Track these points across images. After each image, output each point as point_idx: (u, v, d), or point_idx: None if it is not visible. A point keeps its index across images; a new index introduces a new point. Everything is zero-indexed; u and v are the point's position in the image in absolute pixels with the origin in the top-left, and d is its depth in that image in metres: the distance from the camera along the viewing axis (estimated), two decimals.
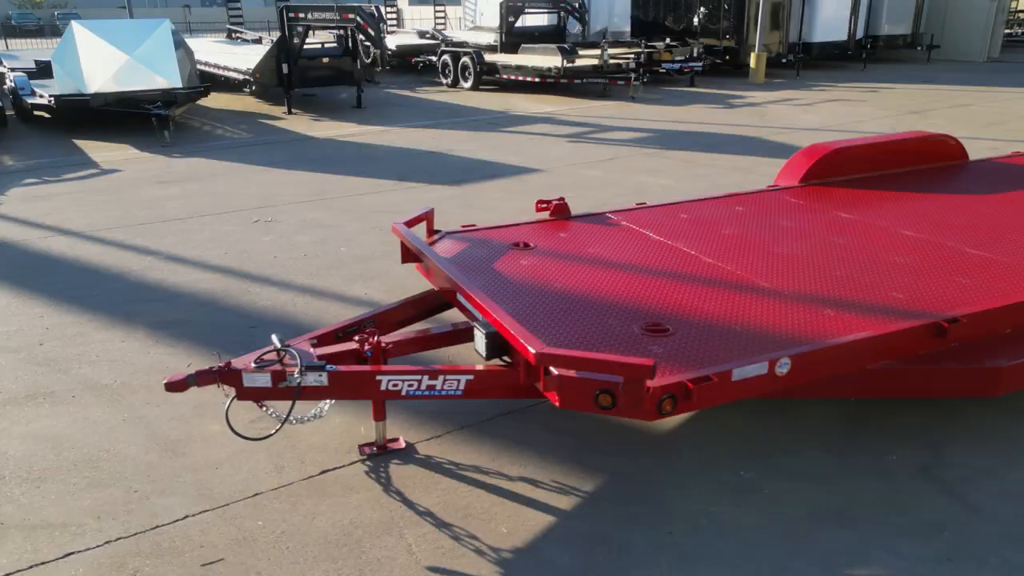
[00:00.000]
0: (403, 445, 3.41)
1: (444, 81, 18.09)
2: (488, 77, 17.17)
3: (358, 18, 12.55)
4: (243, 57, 14.82)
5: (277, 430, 3.02)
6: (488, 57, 17.41)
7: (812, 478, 3.16)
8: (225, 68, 14.98)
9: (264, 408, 3.09)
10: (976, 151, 6.76)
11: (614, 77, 15.46)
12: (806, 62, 19.97)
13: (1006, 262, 3.83)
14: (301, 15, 13.18)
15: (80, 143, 11.11)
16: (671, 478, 3.19)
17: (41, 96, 11.88)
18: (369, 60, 13.42)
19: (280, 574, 2.63)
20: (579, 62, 15.54)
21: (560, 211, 4.86)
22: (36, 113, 12.40)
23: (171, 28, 12.02)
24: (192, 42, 20.45)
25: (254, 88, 14.39)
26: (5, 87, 13.54)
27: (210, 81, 16.18)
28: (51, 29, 45.29)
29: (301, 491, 3.09)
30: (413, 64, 19.98)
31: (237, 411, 3.06)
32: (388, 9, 26.02)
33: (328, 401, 3.28)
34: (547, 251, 4.17)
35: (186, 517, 2.94)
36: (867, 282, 3.60)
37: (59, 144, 11.07)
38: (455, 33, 24.66)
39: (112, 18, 15.38)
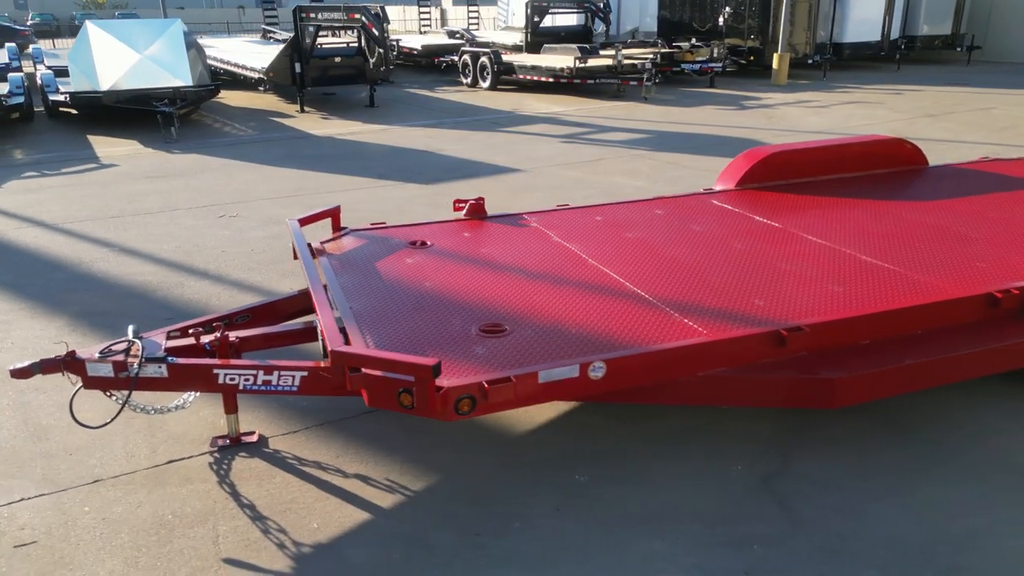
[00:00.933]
0: (256, 439, 3.46)
1: (464, 81, 18.20)
2: (508, 77, 17.20)
3: (363, 18, 12.71)
4: (260, 56, 15.16)
5: (112, 419, 3.10)
6: (505, 57, 17.44)
7: (646, 485, 3.11)
8: (243, 67, 15.34)
9: (111, 396, 3.18)
10: (973, 156, 6.48)
11: (627, 77, 15.32)
12: (836, 63, 19.45)
13: (895, 271, 3.69)
14: (312, 15, 13.43)
15: (92, 138, 11.53)
16: (505, 478, 3.17)
17: (62, 93, 12.38)
18: (374, 60, 13.54)
19: (81, 559, 2.71)
20: (591, 62, 15.45)
21: (475, 211, 4.86)
22: (62, 110, 12.95)
23: (183, 28, 12.38)
24: (221, 41, 21.07)
25: (268, 87, 14.69)
26: (37, 84, 14.16)
27: (231, 79, 16.69)
28: (69, 30, 46.90)
29: (140, 480, 3.18)
30: (436, 64, 20.15)
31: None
32: (422, 9, 26.24)
33: (192, 393, 3.36)
34: (439, 250, 4.18)
35: (21, 500, 3.04)
36: (738, 288, 3.51)
37: (72, 139, 11.51)
38: (486, 33, 24.79)
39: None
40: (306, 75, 13.91)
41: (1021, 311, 3.48)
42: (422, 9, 26.36)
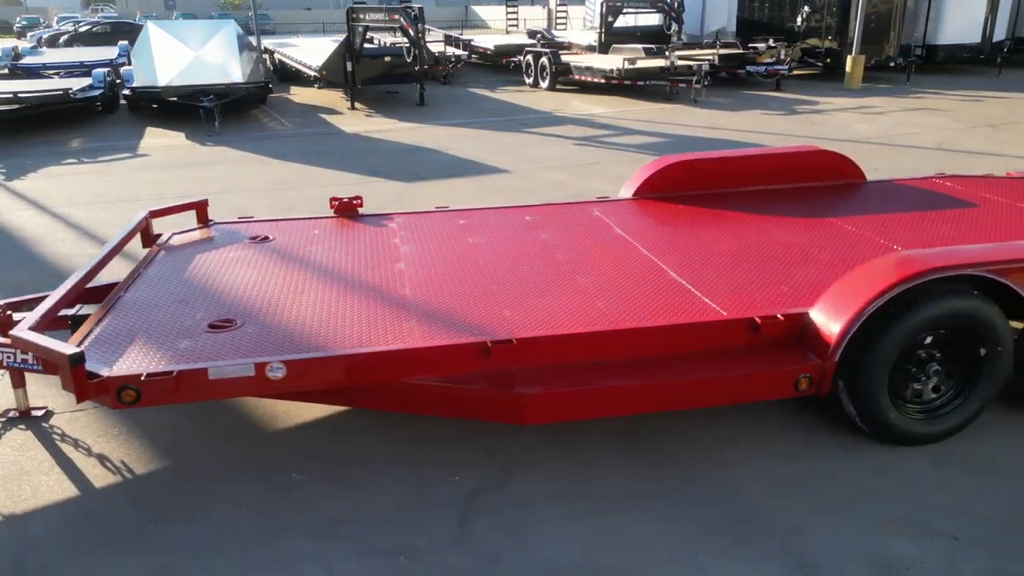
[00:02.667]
0: (42, 413, 3.72)
1: (527, 81, 18.24)
2: (569, 78, 17.06)
3: (401, 19, 13.04)
4: (319, 55, 15.83)
5: None
6: (564, 57, 17.35)
7: (361, 490, 3.11)
8: (305, 65, 16.09)
9: None
10: (1006, 170, 5.91)
11: (677, 79, 14.87)
12: (928, 66, 18.03)
13: (688, 291, 3.49)
14: (361, 16, 13.90)
15: (149, 130, 12.46)
16: (228, 470, 3.26)
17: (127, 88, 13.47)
18: (410, 59, 13.84)
19: None
20: (641, 64, 15.11)
21: (343, 209, 4.96)
22: (142, 103, 13.99)
23: (235, 29, 13.14)
24: (303, 40, 22.02)
25: (322, 84, 15.32)
26: None
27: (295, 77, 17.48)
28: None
29: None
30: (506, 64, 20.31)
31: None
32: (509, 9, 26.45)
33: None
34: (270, 246, 4.31)
35: None
36: (497, 299, 3.44)
37: (130, 130, 12.48)
38: (568, 33, 24.70)
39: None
40: (356, 74, 14.42)
41: (798, 339, 3.22)
42: (509, 9, 26.59)
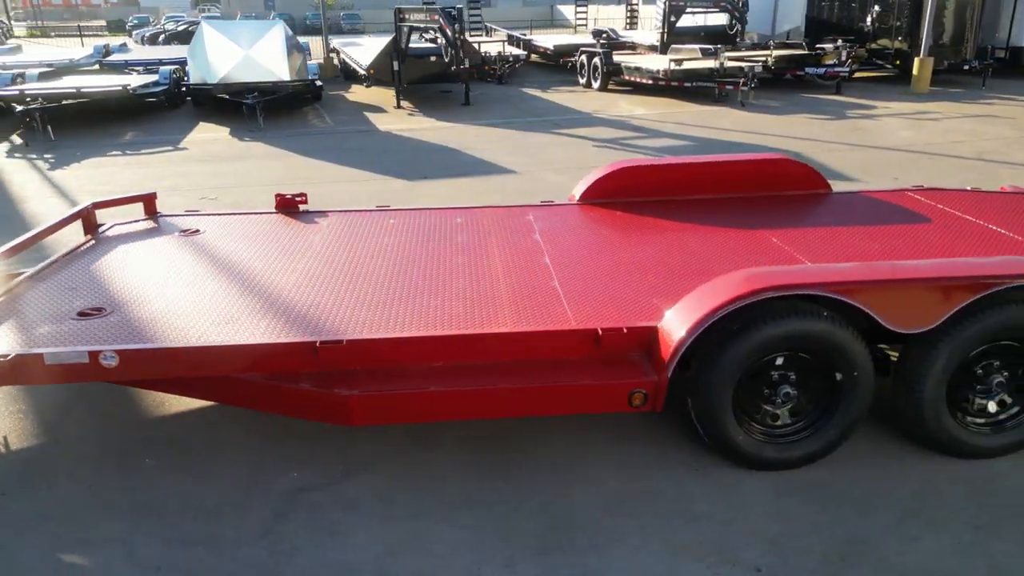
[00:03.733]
0: None
1: (581, 81, 18.13)
2: (622, 78, 16.84)
3: (440, 19, 13.20)
4: (368, 54, 16.21)
5: None
6: (616, 57, 17.13)
7: (199, 479, 3.21)
8: (358, 64, 16.51)
9: None
10: None
11: (723, 81, 14.44)
12: (1011, 69, 16.82)
13: (560, 300, 3.42)
14: (406, 16, 14.17)
15: (201, 124, 13.10)
16: (86, 451, 3.42)
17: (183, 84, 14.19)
18: (448, 59, 13.98)
19: None
20: (687, 65, 14.75)
21: (284, 205, 5.10)
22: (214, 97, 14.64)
23: (284, 29, 13.63)
24: (372, 40, 22.51)
25: (370, 83, 15.68)
26: None
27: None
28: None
29: None
30: (563, 64, 20.23)
31: None
32: (578, 8, 26.32)
33: None
34: (195, 240, 4.48)
35: None
36: (359, 301, 3.47)
37: (183, 125, 13.14)
38: (632, 33, 24.37)
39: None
40: (402, 73, 14.69)
41: (647, 353, 3.11)
42: (578, 8, 26.45)
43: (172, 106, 14.93)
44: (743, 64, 14.98)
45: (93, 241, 4.50)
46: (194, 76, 13.65)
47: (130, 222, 4.88)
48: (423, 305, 3.40)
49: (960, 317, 2.96)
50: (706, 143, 10.72)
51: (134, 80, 13.82)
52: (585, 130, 11.98)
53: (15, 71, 15.25)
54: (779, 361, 3.06)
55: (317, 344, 3.01)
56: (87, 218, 4.72)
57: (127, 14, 60.58)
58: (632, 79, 16.34)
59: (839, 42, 16.91)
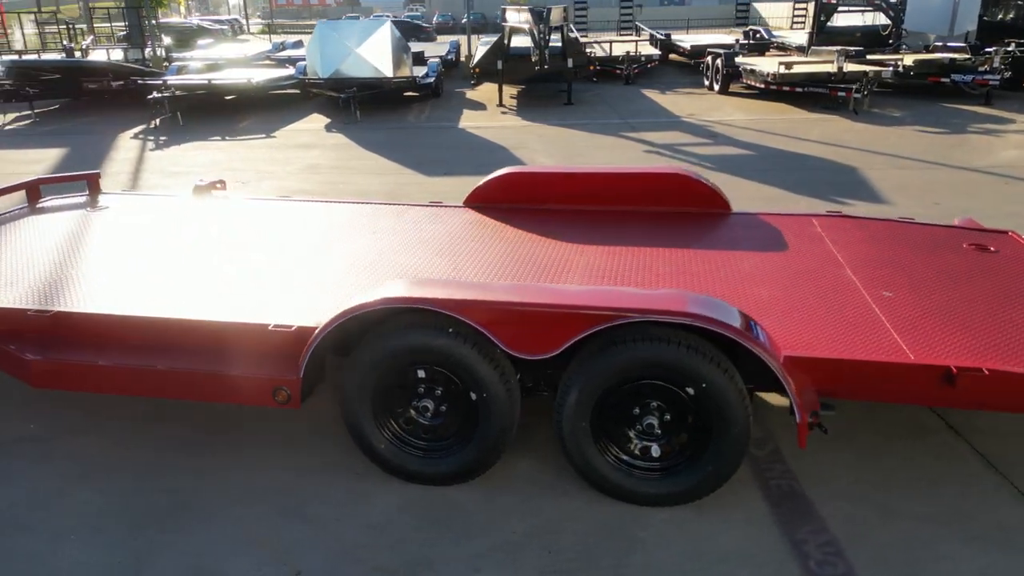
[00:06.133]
0: None
1: (705, 83, 17.42)
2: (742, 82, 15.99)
3: (530, 18, 13.30)
4: (481, 53, 16.65)
5: None
6: (738, 59, 16.23)
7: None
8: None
9: None
10: None
11: (835, 87, 13.22)
12: None
13: (294, 291, 3.57)
14: (507, 15, 14.42)
15: (311, 116, 14.26)
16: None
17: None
18: (535, 59, 13.98)
19: None
20: (797, 68, 13.67)
21: (200, 191, 5.58)
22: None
23: (391, 28, 14.41)
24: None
25: (476, 81, 16.12)
26: None
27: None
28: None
29: None
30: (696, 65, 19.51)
31: None
32: (739, 5, 25.14)
33: None
34: (95, 216, 5.06)
35: None
36: (131, 276, 3.82)
37: (294, 116, 14.36)
38: (789, 33, 22.89)
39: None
40: (504, 72, 14.98)
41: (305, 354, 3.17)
42: (739, 5, 25.30)
43: (305, 98, 16.32)
44: (868, 68, 13.65)
45: (13, 212, 5.20)
46: (309, 71, 14.83)
47: (64, 197, 5.56)
48: (157, 288, 3.64)
49: (585, 348, 2.73)
50: (767, 154, 9.99)
51: (260, 74, 15.29)
52: (655, 134, 11.59)
53: (180, 63, 17.49)
54: (421, 374, 2.99)
55: (30, 312, 3.39)
56: (32, 190, 5.48)
57: (342, 13, 66.23)
58: (746, 82, 15.45)
59: (1011, 46, 14.87)
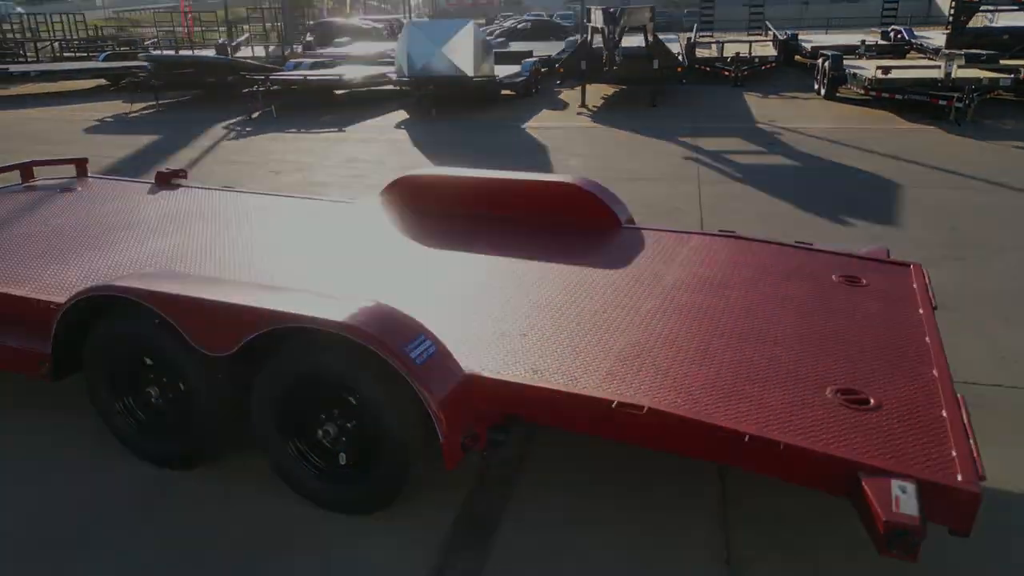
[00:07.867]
0: None
1: (815, 87, 16.31)
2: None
3: (601, 18, 13.01)
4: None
5: None
6: (846, 62, 15.03)
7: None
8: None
9: None
10: None
11: (936, 95, 11.91)
12: None
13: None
14: (590, 15, 14.23)
15: (393, 112, 14.82)
16: None
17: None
18: (603, 61, 13.59)
19: None
20: (896, 74, 12.45)
21: (162, 179, 6.02)
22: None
23: (473, 28, 14.63)
24: None
25: (561, 81, 16.00)
26: None
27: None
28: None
29: None
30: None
31: None
32: (887, 6, 23.20)
33: None
34: (62, 198, 5.60)
35: None
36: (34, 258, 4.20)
37: (376, 111, 14.94)
38: (934, 34, 20.83)
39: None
40: (588, 73, 14.79)
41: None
42: (887, 2, 23.48)
43: (403, 95, 16.96)
44: (982, 75, 12.23)
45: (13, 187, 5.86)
46: (397, 69, 15.38)
47: (52, 179, 6.18)
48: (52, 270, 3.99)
49: (258, 349, 2.74)
50: (814, 166, 9.24)
51: (355, 71, 16.04)
52: (711, 140, 11.03)
53: (295, 60, 18.72)
54: (148, 361, 3.11)
55: None
56: (26, 171, 6.14)
57: (496, 12, 67.81)
58: (850, 87, 14.28)
59: None
